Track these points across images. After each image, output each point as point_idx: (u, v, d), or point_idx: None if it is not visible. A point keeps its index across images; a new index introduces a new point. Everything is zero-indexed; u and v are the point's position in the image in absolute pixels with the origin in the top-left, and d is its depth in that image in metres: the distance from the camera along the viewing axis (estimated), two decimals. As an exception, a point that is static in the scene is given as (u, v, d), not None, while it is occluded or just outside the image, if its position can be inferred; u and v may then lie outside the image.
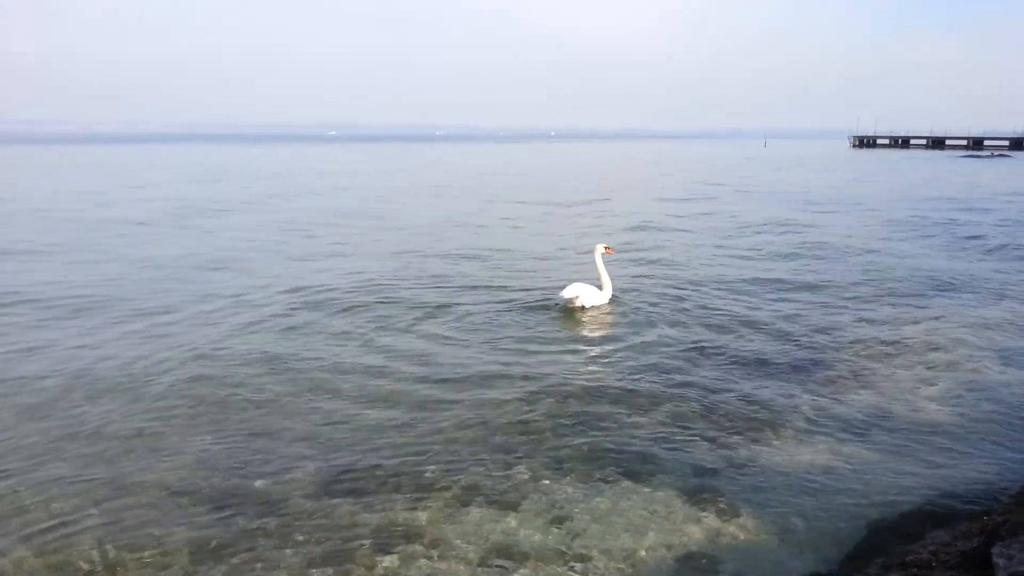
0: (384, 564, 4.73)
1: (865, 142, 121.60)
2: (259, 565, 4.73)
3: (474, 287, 12.85)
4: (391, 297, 12.01)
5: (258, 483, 5.79)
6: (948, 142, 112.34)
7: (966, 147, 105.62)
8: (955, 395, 7.59)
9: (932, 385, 7.91)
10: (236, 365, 8.58)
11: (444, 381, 8.04)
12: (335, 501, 5.50)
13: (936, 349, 9.18)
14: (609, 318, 10.89)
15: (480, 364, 8.61)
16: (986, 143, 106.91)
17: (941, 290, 12.74)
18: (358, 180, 43.69)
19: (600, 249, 11.93)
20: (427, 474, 5.91)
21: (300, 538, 5.02)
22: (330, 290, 12.42)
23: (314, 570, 4.67)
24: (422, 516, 5.29)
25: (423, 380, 8.08)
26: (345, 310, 11.17)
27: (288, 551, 4.87)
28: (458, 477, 5.86)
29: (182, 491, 5.68)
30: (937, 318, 10.75)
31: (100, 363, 8.63)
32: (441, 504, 5.45)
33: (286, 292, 12.31)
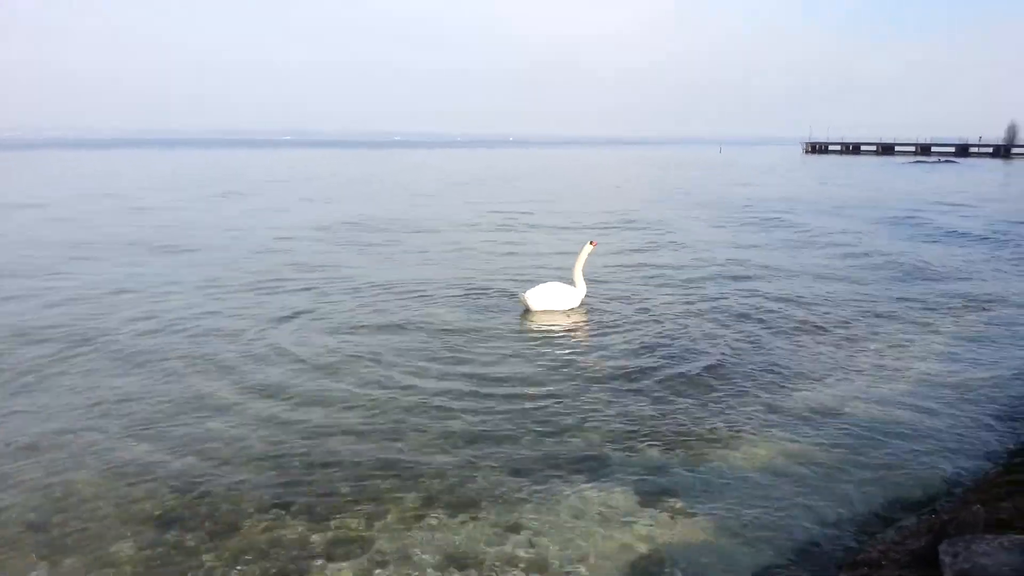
0: (337, 578, 4.62)
1: (817, 148, 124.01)
2: (210, 580, 4.60)
3: (432, 289, 12.78)
4: (340, 303, 11.88)
5: (206, 496, 5.63)
6: (897, 148, 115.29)
7: (914, 153, 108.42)
8: (905, 396, 7.72)
9: (884, 385, 8.04)
10: (180, 371, 8.40)
11: (399, 388, 7.94)
12: (287, 514, 5.37)
13: (890, 349, 9.35)
14: (567, 320, 10.91)
15: (436, 370, 8.54)
16: (933, 149, 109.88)
17: (895, 292, 12.98)
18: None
19: (588, 248, 11.88)
20: (382, 483, 5.82)
21: (250, 553, 4.89)
22: (274, 293, 12.23)
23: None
24: (377, 526, 5.21)
25: (377, 387, 7.97)
26: (292, 316, 10.99)
27: (238, 568, 4.73)
28: (413, 486, 5.78)
29: (125, 504, 5.50)
30: (891, 318, 10.97)
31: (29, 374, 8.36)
32: (397, 514, 5.37)
33: (243, 297, 12.09)
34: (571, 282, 11.69)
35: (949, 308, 11.85)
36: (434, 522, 5.25)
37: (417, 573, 4.68)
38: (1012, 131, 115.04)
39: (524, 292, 11.40)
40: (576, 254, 11.99)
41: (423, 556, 4.84)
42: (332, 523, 5.24)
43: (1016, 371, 8.58)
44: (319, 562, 4.78)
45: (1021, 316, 11.39)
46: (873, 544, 4.46)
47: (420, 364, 8.70)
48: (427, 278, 13.99)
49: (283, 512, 5.40)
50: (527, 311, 11.34)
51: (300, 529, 5.17)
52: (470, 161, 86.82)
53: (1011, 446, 6.41)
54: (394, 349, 9.30)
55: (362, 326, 10.42)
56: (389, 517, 5.32)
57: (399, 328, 10.35)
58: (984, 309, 11.90)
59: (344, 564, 4.76)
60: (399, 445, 6.50)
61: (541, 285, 11.46)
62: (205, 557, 4.83)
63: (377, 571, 4.69)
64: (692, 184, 46.00)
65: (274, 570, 4.71)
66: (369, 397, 7.65)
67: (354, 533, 5.13)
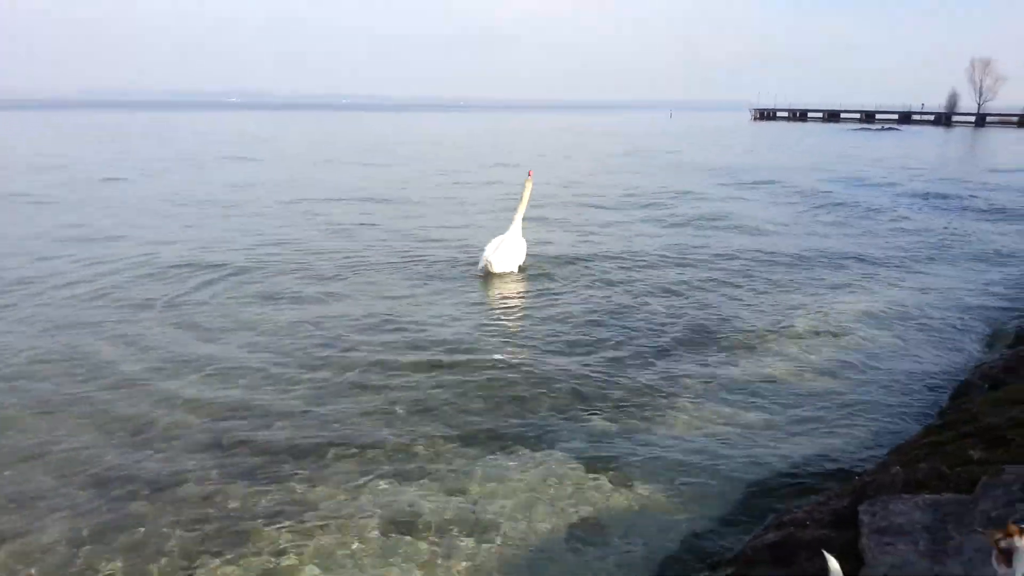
0: (280, 542, 4.64)
1: (765, 115, 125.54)
2: (148, 550, 4.57)
3: (377, 254, 12.77)
4: (284, 265, 11.80)
5: (146, 464, 5.58)
6: (843, 115, 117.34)
7: (859, 120, 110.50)
8: (835, 365, 7.95)
9: (815, 354, 8.26)
10: (118, 336, 8.28)
11: (342, 354, 7.93)
12: (229, 480, 5.35)
13: (820, 318, 9.60)
14: (515, 287, 11.01)
15: (381, 335, 8.54)
16: (877, 116, 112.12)
17: (828, 263, 13.30)
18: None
19: (529, 184, 12.00)
20: (326, 450, 5.83)
21: (192, 520, 4.86)
22: (212, 256, 12.07)
23: (207, 552, 4.54)
24: (321, 492, 5.23)
25: (321, 353, 7.94)
26: (231, 275, 10.88)
27: (180, 532, 4.72)
28: (356, 453, 5.79)
29: (61, 474, 5.43)
30: (826, 287, 11.26)
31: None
32: (341, 479, 5.39)
33: (163, 260, 11.89)
34: (515, 233, 11.73)
35: (882, 275, 12.21)
36: (377, 488, 5.28)
37: (360, 536, 4.72)
38: (953, 99, 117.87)
39: (486, 255, 11.40)
40: (519, 196, 12.02)
41: (366, 520, 4.88)
42: (273, 489, 5.24)
43: (939, 339, 8.91)
44: (261, 527, 4.79)
45: (951, 282, 11.79)
46: (800, 505, 4.64)
47: (361, 332, 8.68)
48: (367, 244, 13.93)
49: (223, 479, 5.38)
50: (487, 274, 11.39)
51: (241, 495, 5.16)
52: (419, 126, 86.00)
53: (931, 410, 6.67)
54: (333, 316, 9.25)
55: (298, 294, 10.35)
56: (331, 483, 5.34)
57: (337, 295, 10.31)
58: (916, 275, 12.30)
59: (286, 528, 4.77)
60: (341, 413, 6.50)
61: (496, 246, 11.46)
62: (143, 528, 4.79)
63: (319, 534, 4.72)
64: (648, 149, 46.23)
65: (215, 536, 4.70)
66: (310, 366, 7.61)
67: (296, 497, 5.15)
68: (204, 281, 10.82)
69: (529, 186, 12.01)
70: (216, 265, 11.77)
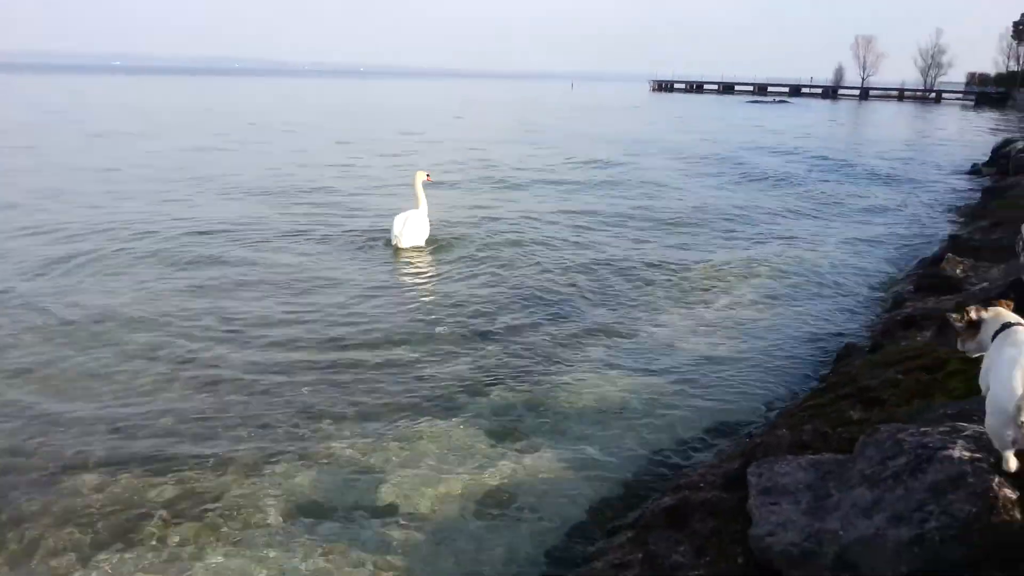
0: (179, 534, 4.50)
1: (664, 86, 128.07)
2: (40, 547, 4.37)
3: (277, 227, 12.45)
4: (177, 240, 11.42)
5: (35, 455, 5.34)
6: (737, 88, 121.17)
7: (752, 93, 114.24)
8: (731, 330, 8.29)
9: (711, 320, 8.60)
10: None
11: (241, 332, 7.75)
12: (125, 472, 5.15)
13: (715, 284, 9.97)
14: (419, 261, 10.98)
15: (282, 312, 8.39)
16: (769, 89, 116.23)
17: (721, 229, 13.80)
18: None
19: (421, 176, 11.99)
20: (225, 435, 5.69)
21: (86, 515, 4.66)
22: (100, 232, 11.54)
23: (102, 547, 4.36)
24: (221, 480, 5.09)
25: (219, 332, 7.75)
26: (121, 251, 10.43)
27: (73, 527, 4.53)
28: (258, 436, 5.69)
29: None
30: (721, 258, 11.65)
31: None
32: (241, 466, 5.27)
33: (57, 238, 11.29)
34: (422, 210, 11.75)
35: (776, 241, 12.76)
36: (280, 471, 5.20)
37: (262, 521, 4.65)
38: (839, 74, 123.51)
39: (394, 231, 11.35)
40: (412, 186, 12.03)
41: (268, 504, 4.81)
42: (171, 478, 5.07)
43: (830, 301, 9.40)
44: (159, 516, 4.65)
45: (840, 247, 12.42)
46: (694, 468, 4.85)
47: (263, 309, 8.51)
48: (265, 217, 13.60)
49: (117, 468, 5.18)
50: (394, 249, 11.34)
51: (137, 485, 4.99)
52: (315, 93, 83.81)
53: (818, 374, 7.04)
54: (232, 292, 9.03)
55: (193, 270, 10.04)
56: (232, 469, 5.22)
57: (237, 270, 10.05)
58: (807, 240, 12.90)
59: (186, 519, 4.65)
60: (240, 395, 6.36)
61: (404, 221, 11.39)
62: (32, 523, 4.57)
63: (221, 523, 4.62)
64: (549, 119, 46.45)
65: (111, 529, 4.53)
66: (208, 346, 7.40)
67: (195, 484, 5.02)
68: (89, 257, 10.34)
69: (419, 182, 11.94)
70: (102, 236, 11.25)
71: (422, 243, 11.59)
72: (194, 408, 6.11)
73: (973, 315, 3.14)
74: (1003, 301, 3.24)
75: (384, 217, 12.58)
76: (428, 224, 11.78)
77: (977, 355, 3.15)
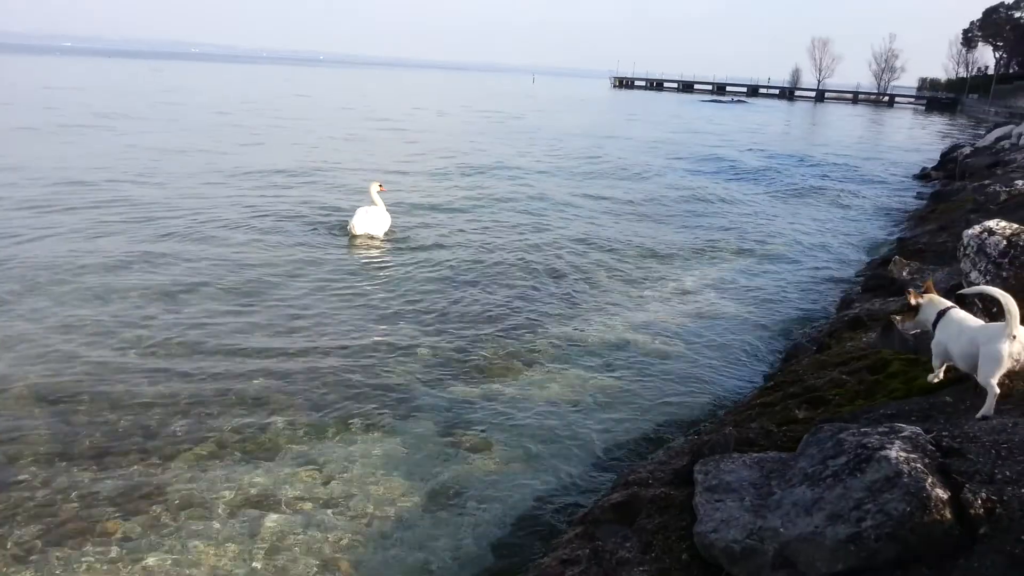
0: (125, 529, 4.43)
1: (624, 83, 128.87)
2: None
3: (232, 217, 12.25)
4: (129, 229, 11.18)
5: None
6: (696, 87, 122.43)
7: (711, 92, 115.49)
8: (684, 329, 8.39)
9: (666, 319, 8.69)
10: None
11: (190, 327, 7.61)
12: (70, 468, 5.04)
13: (671, 284, 10.09)
14: (375, 255, 10.90)
15: (234, 305, 8.28)
16: (728, 89, 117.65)
17: (677, 229, 13.94)
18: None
19: (375, 187, 12.17)
20: (173, 431, 5.59)
21: (30, 510, 4.56)
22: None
23: (49, 545, 4.26)
24: (168, 476, 5.01)
25: (167, 327, 7.59)
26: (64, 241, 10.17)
27: (17, 526, 4.41)
28: (207, 432, 5.60)
29: None
30: (675, 255, 11.79)
31: None
32: (189, 461, 5.20)
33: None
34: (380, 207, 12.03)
35: (731, 240, 12.94)
36: (228, 468, 5.13)
37: (211, 518, 4.59)
38: (796, 75, 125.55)
39: (352, 221, 11.61)
40: (369, 195, 12.16)
41: (216, 499, 4.76)
42: (119, 473, 4.99)
43: (782, 301, 9.57)
44: (105, 515, 4.56)
45: (793, 247, 12.66)
46: (643, 464, 4.91)
47: (215, 301, 8.39)
48: (218, 205, 13.40)
49: (64, 463, 5.08)
50: (351, 238, 11.51)
51: (85, 480, 4.89)
52: (268, 80, 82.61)
53: (767, 373, 7.18)
54: (183, 283, 8.89)
55: (146, 261, 9.83)
56: (179, 463, 5.15)
57: (191, 261, 9.88)
58: (761, 240, 13.10)
59: (132, 514, 4.57)
60: (189, 387, 6.27)
61: (363, 213, 11.68)
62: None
63: (166, 519, 4.56)
64: (510, 113, 46.41)
65: (57, 528, 4.43)
66: (157, 338, 7.27)
67: (142, 481, 4.93)
68: (37, 244, 10.08)
69: (374, 192, 12.13)
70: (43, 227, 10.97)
71: (379, 234, 11.68)
72: (140, 403, 5.99)
73: (912, 300, 4.35)
74: (929, 283, 4.48)
75: (336, 209, 12.52)
76: (389, 218, 11.92)
77: (914, 331, 4.44)
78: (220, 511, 4.66)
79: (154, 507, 4.66)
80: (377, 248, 11.27)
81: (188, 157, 19.60)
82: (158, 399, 6.06)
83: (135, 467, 5.10)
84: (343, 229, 11.78)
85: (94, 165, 17.26)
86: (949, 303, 4.17)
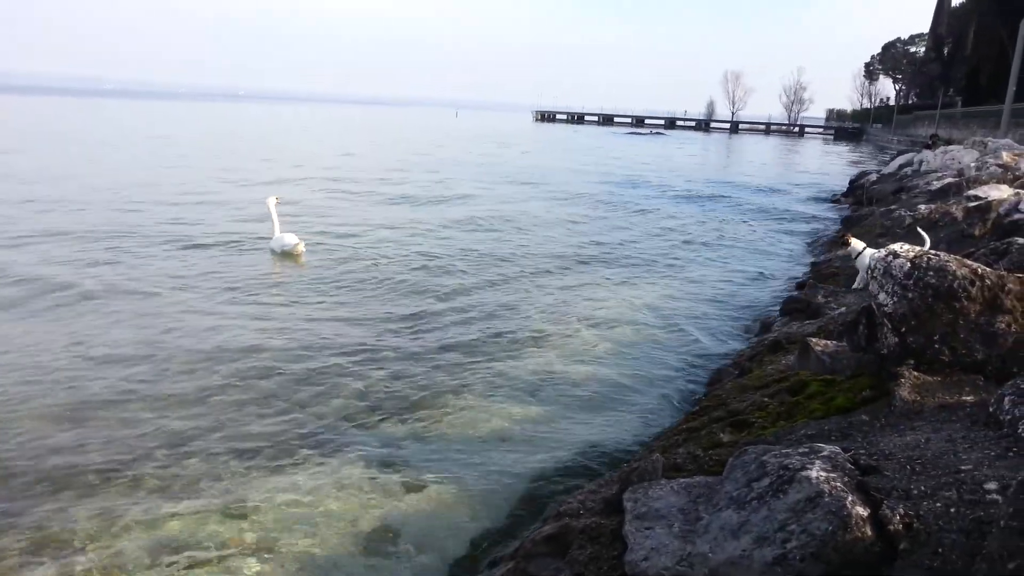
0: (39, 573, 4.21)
1: (546, 117, 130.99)
2: None
3: (136, 246, 11.91)
4: (42, 260, 10.70)
5: None
6: (616, 119, 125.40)
7: (631, 124, 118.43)
8: (611, 357, 8.46)
9: (593, 348, 8.76)
10: None
11: (97, 360, 7.33)
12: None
13: (596, 312, 10.18)
14: (294, 287, 10.70)
15: (150, 335, 8.03)
16: (646, 121, 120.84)
17: (601, 259, 14.13)
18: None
19: (273, 201, 12.89)
20: (87, 469, 5.36)
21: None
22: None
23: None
24: (82, 517, 4.79)
25: (75, 359, 7.31)
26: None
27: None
28: (124, 470, 5.38)
29: None
30: (597, 284, 11.94)
31: None
32: (105, 502, 4.97)
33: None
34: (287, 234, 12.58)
35: (654, 268, 13.19)
36: (146, 513, 4.91)
37: (126, 560, 4.38)
38: (711, 108, 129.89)
39: (275, 243, 12.33)
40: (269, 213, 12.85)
41: (132, 545, 4.54)
42: (29, 517, 4.74)
43: (705, 328, 9.76)
44: (13, 559, 4.31)
45: (714, 273, 12.96)
46: (575, 495, 4.89)
47: (130, 330, 8.14)
48: (128, 232, 13.07)
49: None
50: (288, 256, 12.20)
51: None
52: (185, 116, 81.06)
53: (694, 398, 7.29)
54: (92, 312, 8.59)
55: (60, 291, 9.47)
56: (92, 507, 4.91)
57: (107, 286, 9.59)
58: (683, 267, 13.42)
59: (43, 559, 4.34)
60: (102, 426, 6.02)
61: (287, 237, 12.32)
62: None
63: (79, 568, 4.32)
64: (432, 147, 46.53)
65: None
66: (64, 373, 7.00)
67: (56, 525, 4.69)
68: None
69: (272, 206, 12.83)
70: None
71: (298, 252, 12.23)
72: (49, 448, 5.69)
73: (850, 243, 8.17)
74: (848, 235, 8.69)
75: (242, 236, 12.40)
76: (301, 243, 12.36)
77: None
78: (137, 555, 4.45)
79: (66, 551, 4.46)
80: (297, 278, 11.14)
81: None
82: (71, 436, 5.81)
83: (47, 510, 4.86)
84: (279, 252, 12.28)
85: None
86: (865, 244, 8.01)
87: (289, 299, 10.20)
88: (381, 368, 7.72)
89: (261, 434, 6.10)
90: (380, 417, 6.61)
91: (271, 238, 12.59)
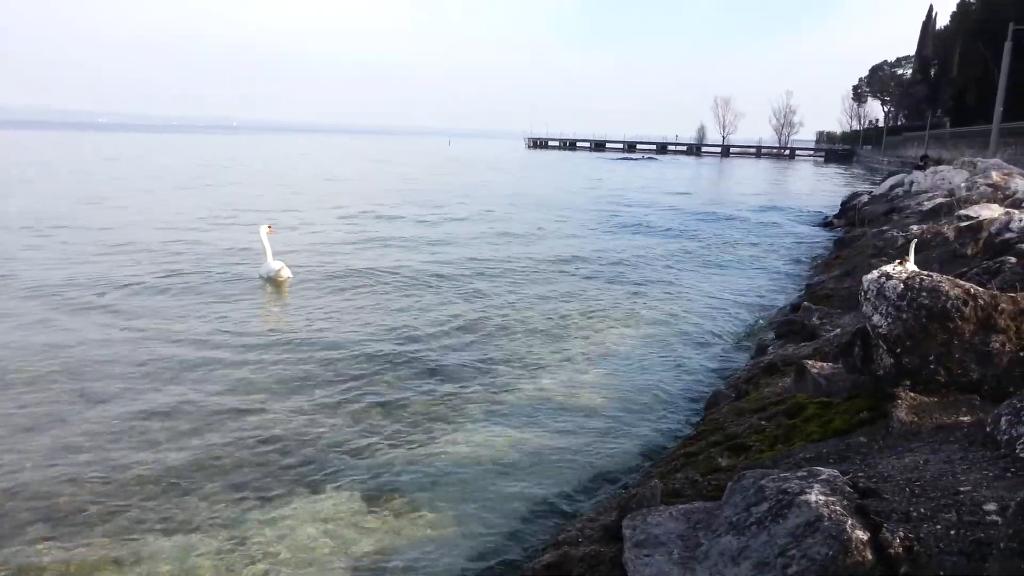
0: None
1: (539, 143, 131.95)
2: None
3: (131, 281, 11.88)
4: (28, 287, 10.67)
5: None
6: (608, 145, 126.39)
7: (622, 150, 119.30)
8: (609, 381, 8.45)
9: (590, 372, 8.74)
10: None
11: (88, 400, 7.27)
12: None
13: (593, 336, 10.18)
14: (283, 316, 10.68)
15: (139, 368, 7.98)
16: (638, 147, 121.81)
17: (597, 283, 14.14)
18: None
19: (264, 229, 13.04)
20: (83, 508, 5.31)
21: None
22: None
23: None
24: (78, 556, 4.73)
25: (64, 398, 7.25)
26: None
27: None
28: (120, 508, 5.33)
29: None
30: (594, 307, 11.93)
31: None
32: (102, 540, 4.93)
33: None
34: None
35: (651, 292, 13.19)
36: (144, 547, 4.88)
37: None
38: (701, 132, 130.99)
39: (276, 267, 12.41)
40: (260, 241, 12.98)
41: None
42: (22, 556, 4.69)
43: (702, 351, 9.75)
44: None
45: (712, 294, 12.99)
46: (574, 522, 4.86)
47: (119, 365, 8.08)
48: (106, 275, 13.03)
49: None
50: (276, 283, 12.37)
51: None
52: (182, 148, 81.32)
53: (692, 422, 7.26)
54: (82, 344, 8.54)
55: (44, 320, 9.43)
56: (89, 548, 4.85)
57: (98, 319, 9.54)
58: (680, 289, 13.43)
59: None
60: (93, 467, 5.94)
61: (274, 264, 12.46)
62: None
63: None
64: (425, 174, 46.71)
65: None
66: (53, 412, 6.93)
67: (51, 564, 4.63)
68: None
69: (264, 232, 13.02)
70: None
71: (281, 279, 12.38)
72: (43, 476, 5.67)
73: None
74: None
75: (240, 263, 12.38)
76: (284, 268, 12.50)
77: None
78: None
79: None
80: (290, 306, 11.15)
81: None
82: (59, 474, 5.74)
83: (41, 548, 4.81)
84: (266, 278, 12.47)
85: None
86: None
87: (277, 324, 10.19)
88: (371, 394, 7.69)
89: (253, 469, 6.05)
90: (373, 445, 6.56)
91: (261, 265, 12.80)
